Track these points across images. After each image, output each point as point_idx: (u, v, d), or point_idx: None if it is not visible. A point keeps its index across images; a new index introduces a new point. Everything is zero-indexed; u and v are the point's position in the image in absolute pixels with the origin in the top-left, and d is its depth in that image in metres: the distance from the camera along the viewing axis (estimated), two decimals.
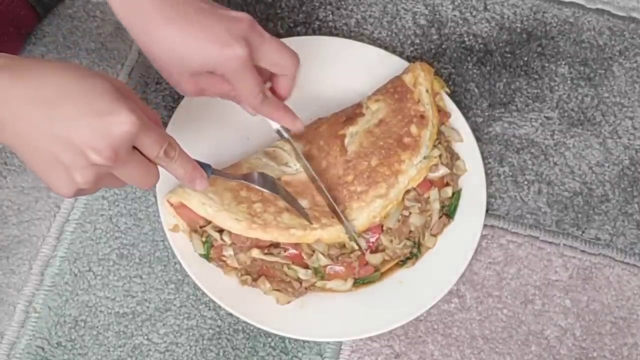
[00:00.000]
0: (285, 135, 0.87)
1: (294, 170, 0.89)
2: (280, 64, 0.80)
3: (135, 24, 0.75)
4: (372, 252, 0.87)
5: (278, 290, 0.85)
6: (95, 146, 0.63)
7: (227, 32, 0.74)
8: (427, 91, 0.93)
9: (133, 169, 0.67)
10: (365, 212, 0.87)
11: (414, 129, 0.91)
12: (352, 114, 0.93)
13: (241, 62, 0.75)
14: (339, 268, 0.86)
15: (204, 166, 0.74)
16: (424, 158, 0.90)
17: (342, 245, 0.86)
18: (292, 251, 0.85)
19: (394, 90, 0.94)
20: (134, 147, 0.67)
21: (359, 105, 0.93)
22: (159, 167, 0.71)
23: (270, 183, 0.84)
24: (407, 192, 0.89)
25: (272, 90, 0.84)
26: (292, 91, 0.84)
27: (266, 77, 0.83)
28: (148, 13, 0.73)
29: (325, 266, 0.85)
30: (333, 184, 0.88)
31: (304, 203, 0.87)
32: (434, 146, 0.91)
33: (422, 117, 0.92)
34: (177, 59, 0.75)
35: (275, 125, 0.86)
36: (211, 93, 0.80)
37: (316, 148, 0.90)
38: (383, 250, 0.88)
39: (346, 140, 0.90)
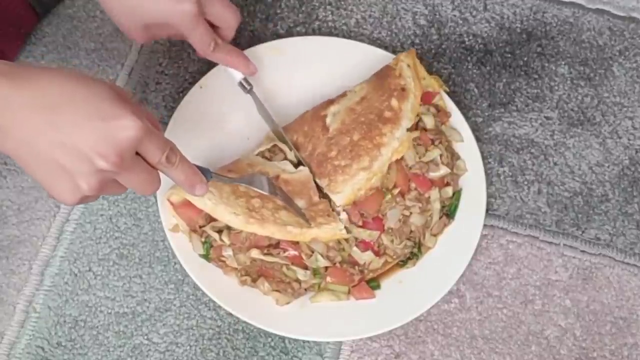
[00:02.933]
0: (247, 87, 0.92)
1: (292, 169, 0.89)
2: (224, 19, 0.87)
3: None
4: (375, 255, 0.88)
5: (277, 290, 0.85)
6: (101, 151, 0.63)
7: None
8: (408, 66, 0.93)
9: (137, 174, 0.67)
10: (349, 185, 0.88)
11: (394, 102, 0.91)
12: (335, 97, 0.93)
13: (191, 16, 0.82)
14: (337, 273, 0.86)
15: (204, 171, 0.75)
16: (407, 130, 0.90)
17: (341, 248, 0.86)
18: (292, 252, 0.85)
19: (379, 72, 0.94)
20: (137, 153, 0.67)
21: (344, 92, 0.94)
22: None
23: (269, 185, 0.84)
24: (408, 191, 0.89)
25: None
26: (231, 38, 0.90)
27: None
28: None
29: (325, 268, 0.86)
30: (319, 162, 0.89)
31: (300, 203, 0.87)
32: (435, 146, 0.91)
33: (403, 89, 0.92)
34: (133, 10, 0.82)
35: (238, 77, 0.92)
36: (162, 36, 0.87)
37: (302, 135, 0.91)
38: (384, 252, 0.88)
39: (328, 120, 0.91)
